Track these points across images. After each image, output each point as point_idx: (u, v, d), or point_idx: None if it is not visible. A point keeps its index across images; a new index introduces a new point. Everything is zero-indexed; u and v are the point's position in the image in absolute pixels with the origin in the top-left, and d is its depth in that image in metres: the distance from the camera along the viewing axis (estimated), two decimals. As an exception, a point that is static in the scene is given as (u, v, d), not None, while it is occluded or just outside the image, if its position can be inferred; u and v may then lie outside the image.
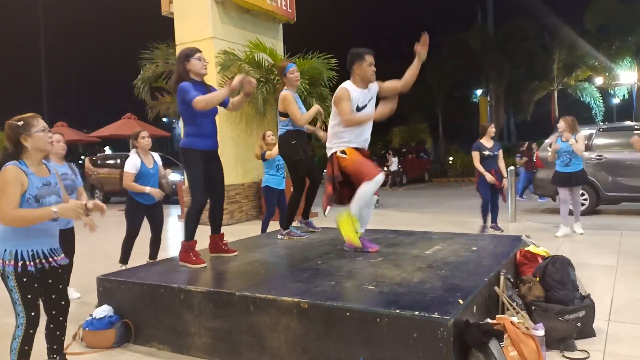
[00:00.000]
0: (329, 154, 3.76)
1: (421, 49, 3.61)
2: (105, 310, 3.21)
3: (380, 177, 3.56)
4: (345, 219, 3.63)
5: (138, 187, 4.48)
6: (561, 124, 6.24)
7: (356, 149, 3.67)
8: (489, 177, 6.39)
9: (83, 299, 4.30)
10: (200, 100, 3.33)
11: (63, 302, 2.51)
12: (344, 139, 3.66)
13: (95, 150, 28.57)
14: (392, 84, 3.75)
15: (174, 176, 14.00)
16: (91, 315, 3.23)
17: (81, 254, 6.45)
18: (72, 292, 4.34)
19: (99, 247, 6.98)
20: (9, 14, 30.70)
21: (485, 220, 6.59)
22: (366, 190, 3.56)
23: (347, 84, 3.64)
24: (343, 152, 3.62)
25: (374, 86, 3.73)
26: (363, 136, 3.72)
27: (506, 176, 6.62)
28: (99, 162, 16.01)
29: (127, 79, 11.23)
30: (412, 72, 3.68)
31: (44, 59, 28.92)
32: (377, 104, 3.77)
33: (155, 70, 9.98)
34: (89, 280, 4.68)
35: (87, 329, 3.16)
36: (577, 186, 6.27)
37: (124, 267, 4.68)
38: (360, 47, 3.66)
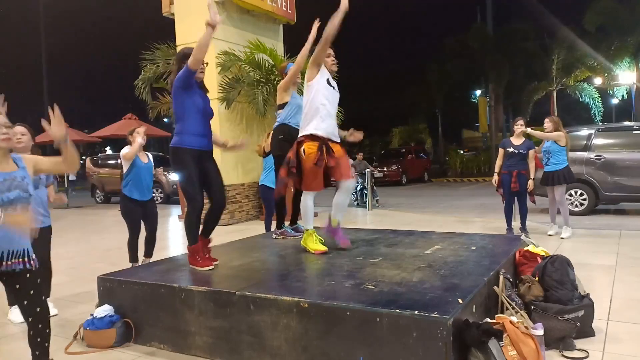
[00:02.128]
0: (298, 137, 3.79)
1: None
2: (106, 310, 3.21)
3: (310, 195, 3.77)
4: (305, 237, 3.86)
5: (133, 149, 4.53)
6: (548, 124, 6.22)
7: (325, 143, 3.64)
8: (494, 179, 6.32)
9: (84, 298, 4.29)
10: (192, 58, 3.21)
11: (39, 309, 2.36)
12: (311, 125, 3.68)
13: (97, 150, 28.64)
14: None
15: (174, 176, 14.06)
16: (92, 314, 3.24)
17: (82, 253, 6.48)
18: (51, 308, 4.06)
19: (100, 247, 6.99)
20: (11, 15, 30.73)
21: (508, 224, 6.35)
22: (304, 205, 3.83)
23: None
24: (304, 151, 3.63)
25: (337, 89, 3.89)
26: (325, 124, 3.69)
27: (532, 178, 6.12)
28: (100, 162, 16.06)
29: (128, 79, 11.24)
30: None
31: (45, 59, 28.90)
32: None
33: (156, 70, 9.97)
34: (90, 280, 4.70)
35: (87, 328, 3.16)
36: (558, 185, 6.13)
37: (136, 265, 4.69)
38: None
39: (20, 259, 2.31)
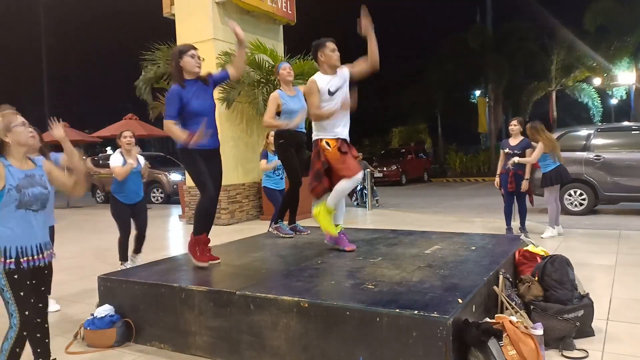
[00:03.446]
0: (313, 140, 3.82)
1: (364, 26, 3.54)
2: (106, 310, 3.22)
3: (359, 175, 3.65)
4: (322, 211, 3.74)
5: (125, 170, 4.71)
6: (527, 133, 6.24)
7: (340, 140, 3.68)
8: (495, 182, 6.41)
9: (84, 298, 4.29)
10: (165, 125, 3.35)
11: (41, 305, 2.42)
12: (327, 129, 3.69)
13: (97, 150, 28.66)
14: (360, 66, 3.76)
15: (175, 176, 14.07)
16: (92, 314, 3.24)
17: (82, 253, 6.48)
18: (52, 304, 3.85)
19: (100, 247, 6.99)
20: (11, 15, 30.71)
21: (507, 223, 6.40)
22: (344, 186, 3.66)
23: (315, 76, 3.74)
24: (327, 143, 3.66)
25: (345, 71, 3.78)
26: (341, 125, 3.72)
27: (527, 178, 6.07)
28: (100, 162, 16.04)
29: (129, 79, 11.24)
30: (372, 49, 3.63)
31: (45, 59, 28.85)
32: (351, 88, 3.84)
33: (156, 71, 9.97)
34: (90, 279, 4.71)
35: (88, 328, 3.17)
36: (545, 187, 6.18)
37: (124, 265, 4.82)
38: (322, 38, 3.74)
39: (44, 254, 2.37)
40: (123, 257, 4.93)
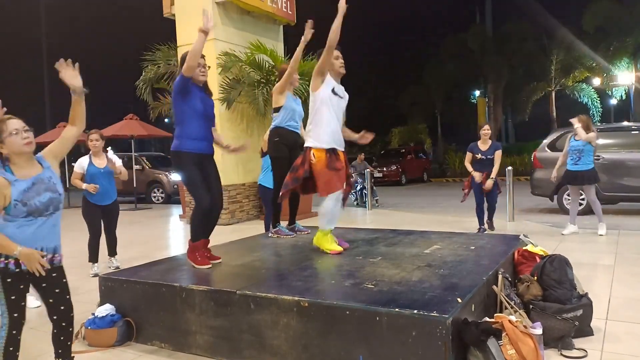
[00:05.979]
0: (305, 146, 3.84)
1: (341, 5, 3.52)
2: (107, 309, 3.23)
3: (336, 195, 3.66)
4: (319, 237, 3.81)
5: (78, 183, 4.86)
6: (578, 124, 6.17)
7: (332, 150, 3.69)
8: (477, 176, 6.44)
9: (85, 297, 4.30)
10: (185, 65, 3.23)
11: (63, 308, 2.39)
12: (320, 137, 3.70)
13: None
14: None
15: (175, 176, 14.08)
16: (93, 314, 3.25)
17: (82, 253, 6.48)
18: (33, 300, 3.77)
19: (100, 246, 6.99)
20: (11, 14, 30.72)
21: (481, 223, 6.62)
22: (325, 207, 3.71)
23: None
24: (314, 155, 3.68)
25: (346, 94, 3.90)
26: (330, 135, 3.72)
27: (493, 177, 6.34)
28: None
29: (129, 80, 11.26)
30: (334, 24, 3.52)
31: (46, 59, 28.84)
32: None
33: (157, 71, 10.00)
34: (91, 279, 4.72)
35: (89, 327, 3.18)
36: (588, 185, 6.24)
37: (95, 266, 5.02)
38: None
39: (49, 257, 2.32)
40: (93, 259, 5.04)
